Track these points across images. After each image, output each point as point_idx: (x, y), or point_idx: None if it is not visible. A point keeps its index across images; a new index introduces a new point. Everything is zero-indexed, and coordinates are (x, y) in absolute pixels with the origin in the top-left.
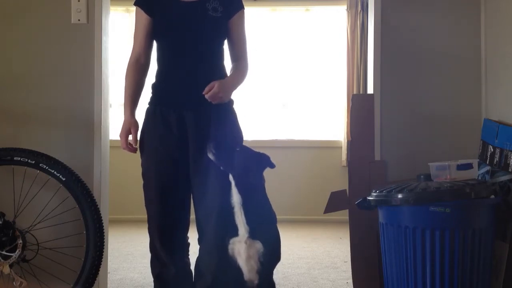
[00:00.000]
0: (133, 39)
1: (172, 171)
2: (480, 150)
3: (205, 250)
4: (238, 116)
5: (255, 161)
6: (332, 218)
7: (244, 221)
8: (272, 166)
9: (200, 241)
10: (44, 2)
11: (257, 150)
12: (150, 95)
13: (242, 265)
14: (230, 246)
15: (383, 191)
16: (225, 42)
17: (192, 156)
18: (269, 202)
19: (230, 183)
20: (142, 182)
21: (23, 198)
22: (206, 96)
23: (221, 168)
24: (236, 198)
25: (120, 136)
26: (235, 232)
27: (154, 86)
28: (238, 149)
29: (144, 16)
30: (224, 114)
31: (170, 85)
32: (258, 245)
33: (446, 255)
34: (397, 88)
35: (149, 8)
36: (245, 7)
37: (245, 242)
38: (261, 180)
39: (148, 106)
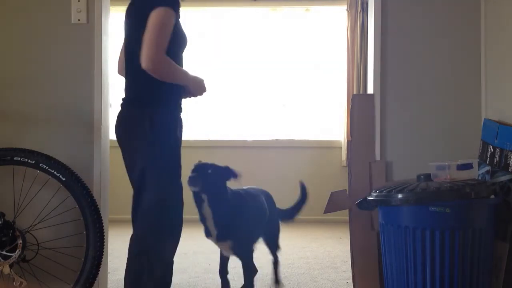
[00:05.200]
0: (161, 37)
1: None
2: (480, 150)
3: None
4: (238, 116)
5: (219, 176)
6: (332, 218)
7: (213, 226)
8: (234, 175)
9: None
10: (44, 2)
11: (257, 150)
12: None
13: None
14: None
15: (383, 191)
16: None
17: None
18: (234, 207)
19: (203, 200)
20: None
21: (23, 198)
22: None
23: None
24: (207, 211)
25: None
26: (209, 234)
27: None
28: (210, 171)
29: (174, 19)
30: None
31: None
32: (227, 243)
33: (446, 255)
34: (397, 88)
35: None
36: (245, 7)
37: (216, 243)
38: (225, 189)
39: (162, 108)
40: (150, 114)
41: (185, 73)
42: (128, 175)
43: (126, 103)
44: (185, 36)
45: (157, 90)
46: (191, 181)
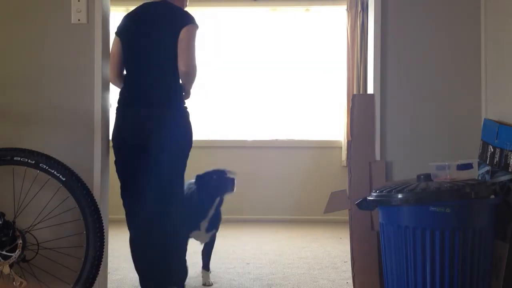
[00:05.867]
0: (195, 48)
1: None
2: (480, 150)
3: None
4: (238, 116)
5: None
6: (332, 218)
7: (207, 222)
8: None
9: None
10: (44, 2)
11: (257, 150)
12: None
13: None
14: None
15: (383, 191)
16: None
17: None
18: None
19: (214, 203)
20: None
21: (23, 198)
22: None
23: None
24: (212, 211)
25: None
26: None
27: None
28: (214, 177)
29: None
30: None
31: None
32: (212, 232)
33: (446, 255)
34: (397, 88)
35: None
36: (245, 7)
37: (204, 235)
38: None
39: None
40: (185, 114)
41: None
42: (133, 171)
43: (151, 104)
44: None
45: (183, 92)
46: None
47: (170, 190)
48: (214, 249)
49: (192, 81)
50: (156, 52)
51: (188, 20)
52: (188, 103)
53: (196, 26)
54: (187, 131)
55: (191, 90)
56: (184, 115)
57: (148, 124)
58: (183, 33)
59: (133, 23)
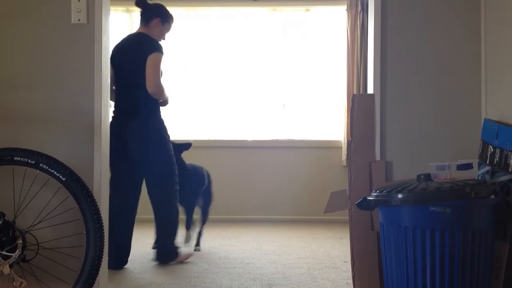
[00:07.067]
0: (159, 72)
1: None
2: (480, 150)
3: None
4: (238, 116)
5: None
6: (332, 218)
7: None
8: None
9: None
10: (44, 2)
11: (257, 150)
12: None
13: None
14: None
15: (383, 191)
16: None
17: None
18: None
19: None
20: None
21: (23, 198)
22: None
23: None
24: None
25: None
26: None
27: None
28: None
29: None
30: None
31: None
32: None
33: (446, 255)
34: (397, 88)
35: None
36: (245, 7)
37: None
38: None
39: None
40: (160, 120)
41: (165, 92)
42: (124, 165)
43: (133, 117)
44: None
45: (157, 104)
46: None
47: (166, 178)
48: (214, 249)
49: (160, 96)
50: (135, 75)
51: (154, 49)
52: (186, 103)
53: (161, 53)
54: (165, 133)
55: (167, 98)
56: (161, 122)
57: (132, 132)
58: (148, 60)
59: (117, 51)
